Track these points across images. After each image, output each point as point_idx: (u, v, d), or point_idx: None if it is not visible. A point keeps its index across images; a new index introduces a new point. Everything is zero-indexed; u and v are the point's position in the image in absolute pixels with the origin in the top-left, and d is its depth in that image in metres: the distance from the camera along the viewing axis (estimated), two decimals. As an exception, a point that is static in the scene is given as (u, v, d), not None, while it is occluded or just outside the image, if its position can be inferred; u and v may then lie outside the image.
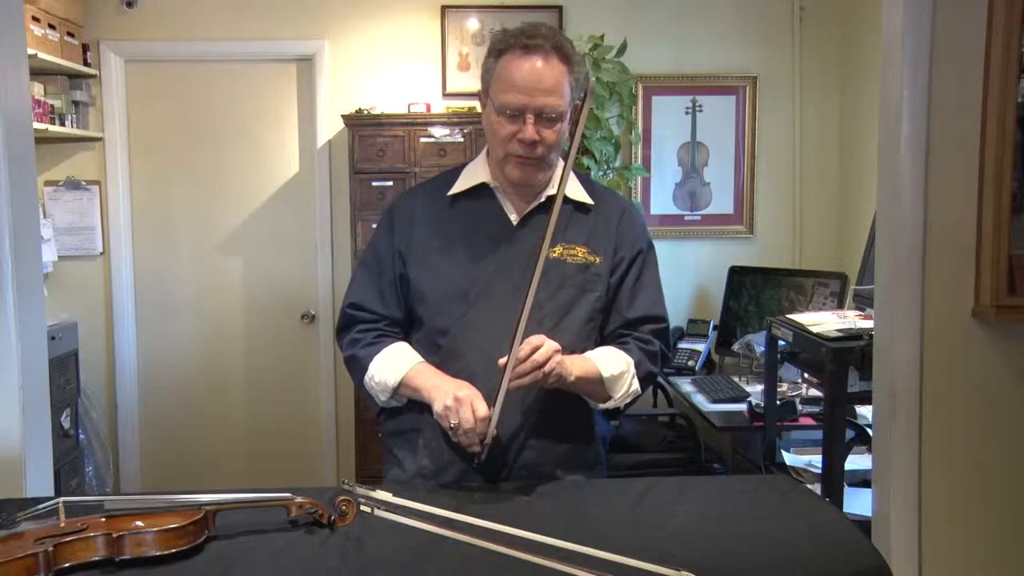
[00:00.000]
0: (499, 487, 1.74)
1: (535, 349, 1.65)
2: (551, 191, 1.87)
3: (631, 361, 1.84)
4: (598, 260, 1.87)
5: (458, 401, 1.67)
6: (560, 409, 1.82)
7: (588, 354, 1.82)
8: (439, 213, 1.89)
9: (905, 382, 2.26)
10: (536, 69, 1.75)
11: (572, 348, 1.78)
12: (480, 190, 1.89)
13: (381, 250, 1.91)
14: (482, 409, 1.66)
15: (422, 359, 1.84)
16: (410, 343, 1.89)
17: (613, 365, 1.81)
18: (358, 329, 1.89)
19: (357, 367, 1.88)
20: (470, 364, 1.77)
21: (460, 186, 1.90)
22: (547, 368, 1.65)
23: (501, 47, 1.80)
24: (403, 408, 1.88)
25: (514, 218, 1.87)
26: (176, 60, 4.41)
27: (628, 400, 1.85)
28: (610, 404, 1.85)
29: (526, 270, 1.81)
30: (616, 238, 1.89)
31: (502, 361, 1.64)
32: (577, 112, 1.79)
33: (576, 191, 1.90)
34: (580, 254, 1.86)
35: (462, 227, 1.87)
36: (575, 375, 1.74)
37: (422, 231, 1.88)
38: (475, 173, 1.90)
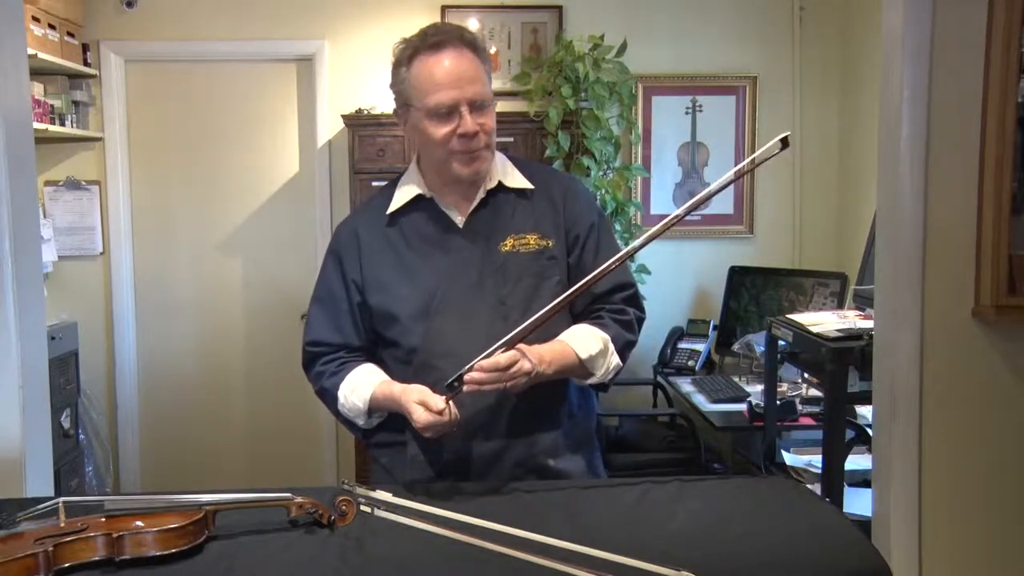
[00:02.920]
0: (498, 487, 1.73)
1: (511, 363, 1.64)
2: (490, 184, 1.86)
3: (607, 338, 1.83)
4: (550, 243, 1.85)
5: (427, 427, 1.67)
6: (532, 400, 1.79)
7: (563, 337, 1.81)
8: (382, 234, 1.87)
9: (905, 382, 2.26)
10: (454, 62, 1.75)
11: (544, 335, 1.76)
12: (418, 203, 1.87)
13: (333, 283, 1.90)
14: (434, 403, 1.66)
15: (385, 377, 1.83)
16: (385, 362, 1.88)
17: (590, 346, 1.80)
18: (321, 362, 1.89)
19: (328, 398, 1.88)
20: (445, 374, 1.72)
21: (397, 203, 1.88)
22: (510, 374, 1.65)
23: (409, 53, 1.78)
24: (384, 421, 1.87)
25: (459, 220, 1.86)
26: (176, 60, 4.41)
27: (611, 375, 1.86)
28: (593, 380, 1.85)
29: (482, 269, 1.81)
30: (565, 218, 1.88)
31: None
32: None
33: (515, 179, 1.89)
34: (531, 241, 1.85)
35: (409, 242, 1.85)
36: (552, 367, 1.74)
37: (370, 257, 1.87)
38: (409, 188, 1.88)
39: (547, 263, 1.85)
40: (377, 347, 1.90)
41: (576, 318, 1.88)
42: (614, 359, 1.84)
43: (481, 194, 1.85)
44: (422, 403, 1.68)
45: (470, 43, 1.77)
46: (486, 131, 1.78)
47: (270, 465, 4.55)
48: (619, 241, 3.50)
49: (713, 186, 1.61)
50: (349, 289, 1.87)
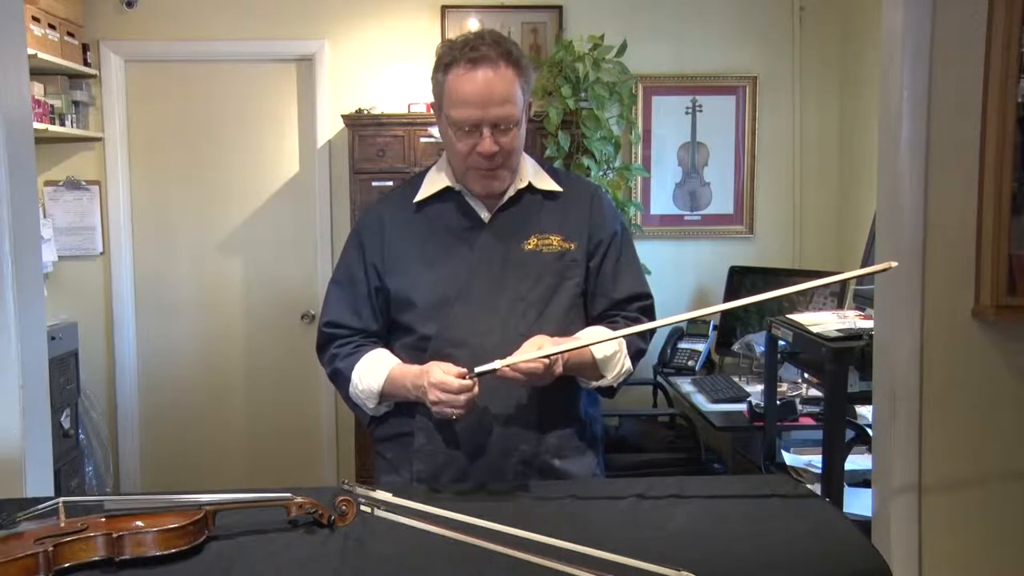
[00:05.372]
0: (499, 487, 1.74)
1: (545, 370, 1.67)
2: (520, 184, 1.88)
3: (622, 341, 1.85)
4: (573, 246, 1.88)
5: (439, 403, 1.68)
6: (547, 398, 1.82)
7: (580, 336, 1.83)
8: (408, 221, 1.88)
9: (905, 382, 2.26)
10: (486, 81, 1.74)
11: (558, 335, 1.78)
12: (445, 194, 1.89)
13: (352, 266, 1.91)
14: (452, 381, 1.66)
15: (399, 361, 1.84)
16: (395, 350, 1.89)
17: (605, 346, 1.82)
18: (336, 344, 1.90)
19: (341, 379, 1.88)
20: (458, 363, 1.75)
21: (425, 192, 1.89)
22: (540, 377, 1.68)
23: (447, 61, 1.77)
24: (392, 413, 1.89)
25: (485, 216, 1.88)
26: (176, 60, 4.41)
27: (622, 379, 1.88)
28: (603, 383, 1.87)
29: (504, 264, 1.83)
30: (590, 223, 1.90)
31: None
32: (531, 109, 1.83)
33: (543, 181, 1.91)
34: (555, 242, 1.87)
35: (433, 231, 1.87)
36: (567, 364, 1.75)
37: (394, 241, 1.88)
38: (438, 179, 1.90)
39: (568, 264, 1.87)
40: (391, 336, 1.91)
41: (591, 321, 1.90)
42: (626, 363, 1.87)
43: (511, 192, 1.87)
44: (445, 373, 1.68)
45: (510, 60, 1.76)
46: (506, 151, 1.79)
47: (270, 465, 4.55)
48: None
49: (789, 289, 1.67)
50: (368, 273, 1.89)
